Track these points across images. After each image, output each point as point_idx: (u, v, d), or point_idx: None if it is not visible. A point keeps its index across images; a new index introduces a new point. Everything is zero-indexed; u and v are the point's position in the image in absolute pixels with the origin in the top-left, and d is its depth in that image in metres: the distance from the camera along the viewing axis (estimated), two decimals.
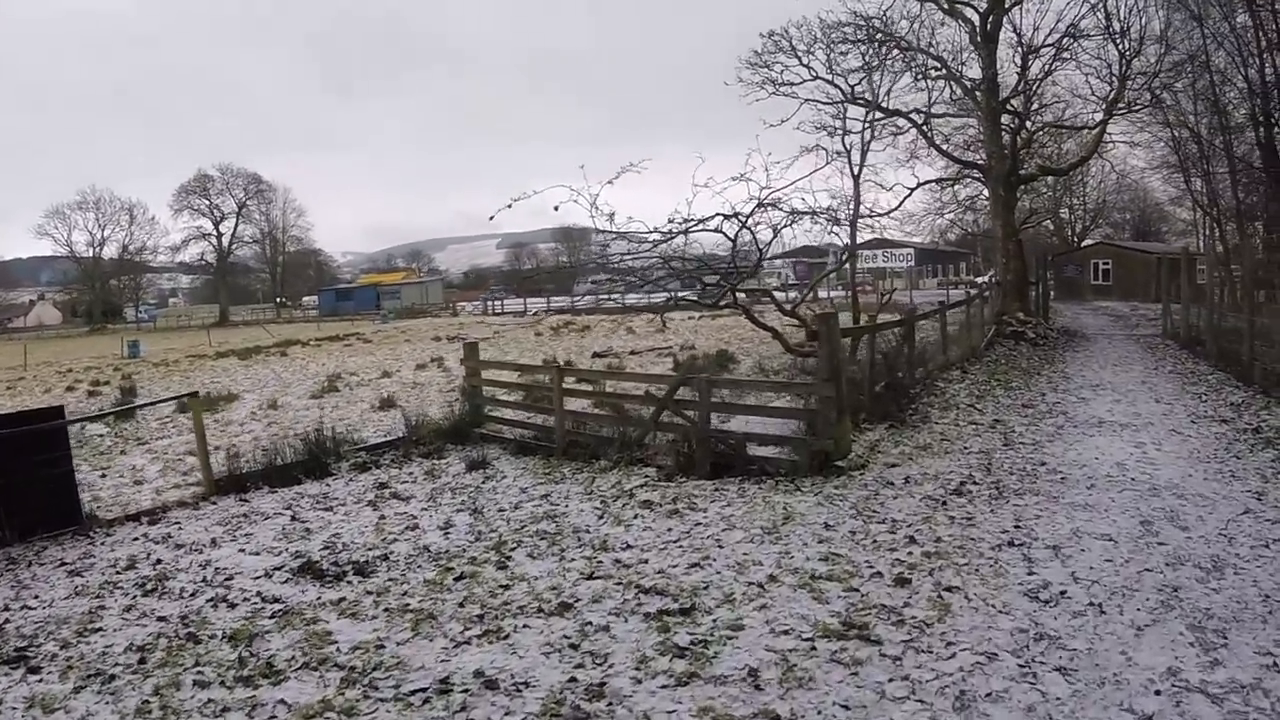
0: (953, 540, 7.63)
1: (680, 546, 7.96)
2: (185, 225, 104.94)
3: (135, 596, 7.51)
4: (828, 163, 15.02)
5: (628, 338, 35.71)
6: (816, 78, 25.65)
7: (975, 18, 26.34)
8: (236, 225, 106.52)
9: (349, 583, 7.47)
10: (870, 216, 26.44)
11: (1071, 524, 7.94)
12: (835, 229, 15.21)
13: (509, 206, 13.20)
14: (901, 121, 28.52)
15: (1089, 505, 8.52)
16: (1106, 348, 23.16)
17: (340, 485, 11.46)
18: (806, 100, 25.26)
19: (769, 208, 13.84)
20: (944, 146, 29.39)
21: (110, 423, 18.07)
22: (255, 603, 7.15)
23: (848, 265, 69.03)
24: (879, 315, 18.23)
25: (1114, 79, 26.64)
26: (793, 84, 26.08)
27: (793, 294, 50.81)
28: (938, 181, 30.75)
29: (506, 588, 7.09)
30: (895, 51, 26.49)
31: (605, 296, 24.43)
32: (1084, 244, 59.87)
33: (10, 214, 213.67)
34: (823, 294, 58.76)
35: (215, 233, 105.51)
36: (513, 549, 8.14)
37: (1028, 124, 28.29)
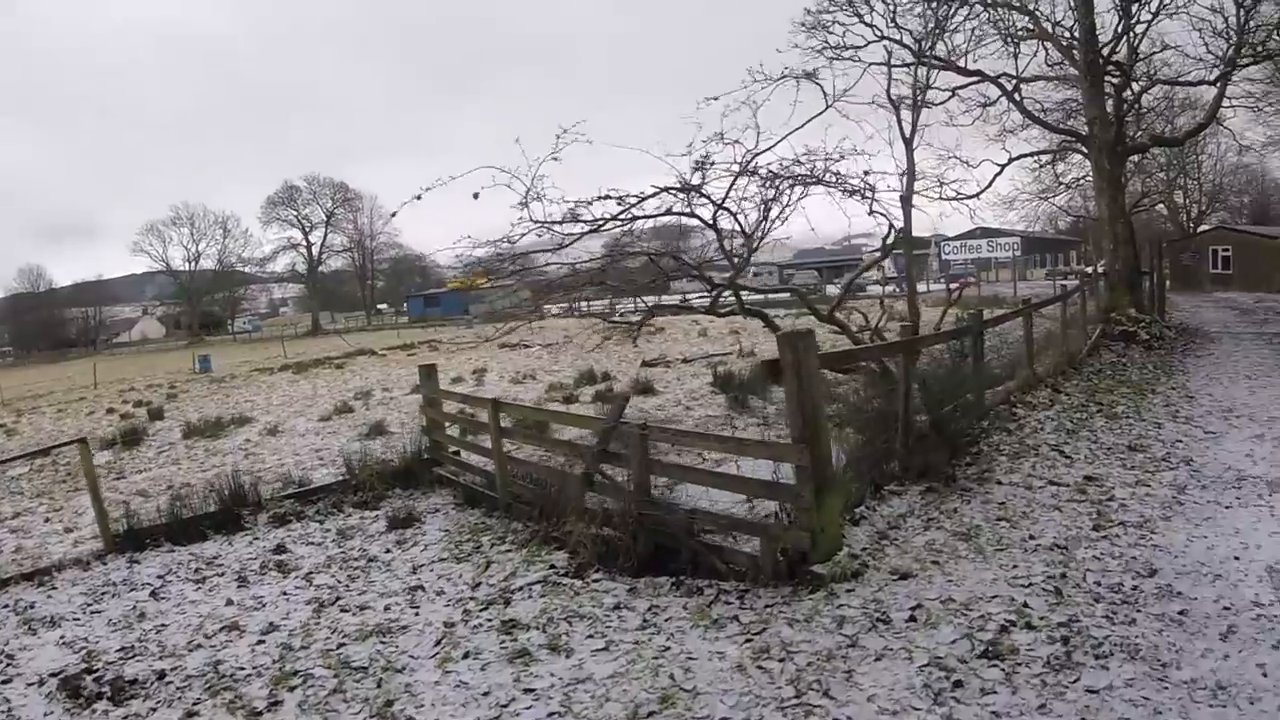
0: None
1: None
2: (275, 236, 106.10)
3: None
4: (828, 107, 10.68)
5: (697, 340, 31.95)
6: (883, 38, 20.94)
7: None
8: (326, 235, 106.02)
9: (90, 710, 6.04)
10: (950, 198, 22.23)
11: None
12: (876, 207, 10.93)
13: (417, 199, 10.18)
14: (991, 91, 23.86)
15: (1222, 688, 4.46)
16: (1234, 351, 18.16)
17: (241, 546, 9.99)
18: (872, 64, 20.52)
19: (751, 175, 9.78)
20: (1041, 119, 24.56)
21: (117, 450, 18.33)
22: None
23: (938, 255, 63.80)
24: (943, 319, 13.82)
25: (1230, 33, 21.49)
26: (856, 47, 21.45)
27: (890, 288, 46.47)
28: (1032, 155, 25.79)
29: None
30: (977, 7, 21.80)
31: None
32: (1200, 230, 53.61)
33: (114, 232, 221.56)
34: (921, 288, 54.01)
35: (305, 243, 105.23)
36: (292, 688, 5.94)
37: (1133, 84, 23.11)
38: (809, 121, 10.23)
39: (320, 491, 11.74)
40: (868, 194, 10.58)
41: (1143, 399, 12.66)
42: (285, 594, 8.14)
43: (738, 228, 10.39)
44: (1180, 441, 9.95)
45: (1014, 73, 23.14)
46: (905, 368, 8.76)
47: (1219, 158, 54.12)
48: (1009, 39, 22.95)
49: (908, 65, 21.12)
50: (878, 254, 12.29)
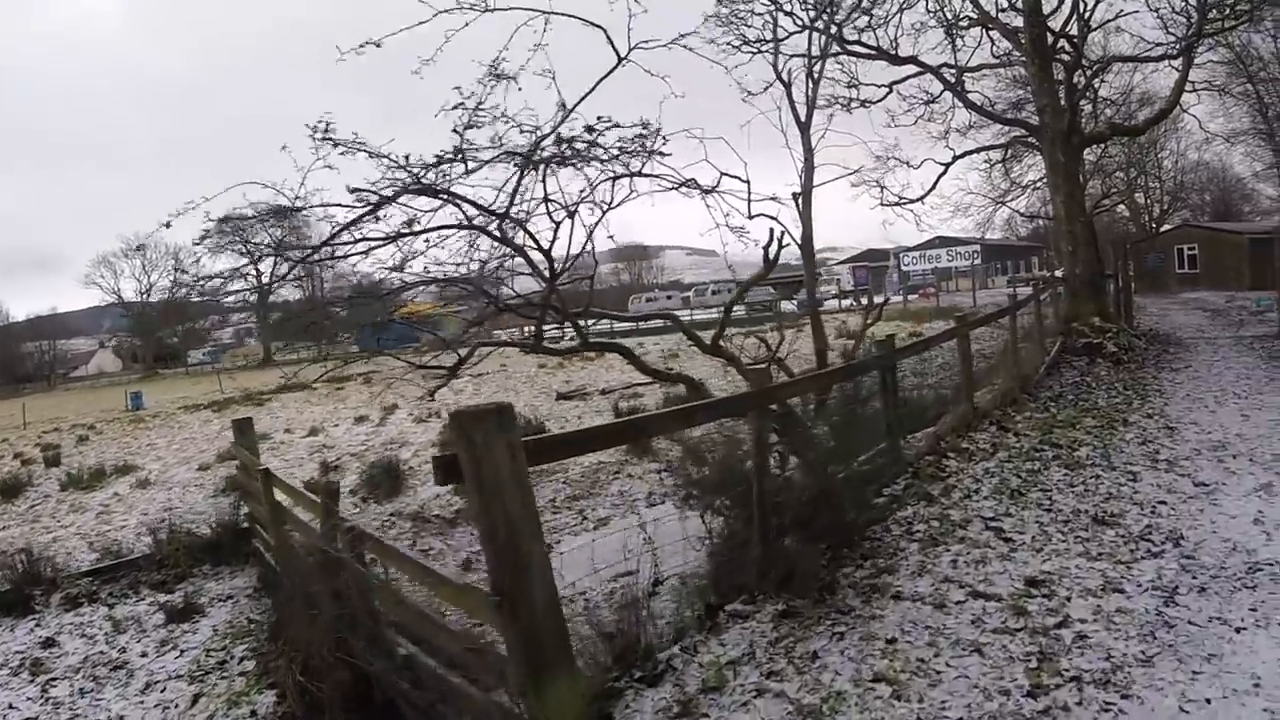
0: None
1: None
2: (225, 266, 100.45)
3: None
4: (620, 61, 7.85)
5: (627, 369, 28.90)
6: (805, 28, 18.12)
7: None
8: (275, 262, 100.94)
9: None
10: (893, 203, 19.73)
11: None
12: (761, 208, 8.19)
13: (167, 226, 8.37)
14: (935, 88, 21.16)
15: None
16: (1213, 360, 15.41)
17: (21, 634, 8.58)
18: (794, 56, 17.73)
19: (549, 165, 7.01)
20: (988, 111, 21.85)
21: None
22: None
23: (898, 267, 61.34)
24: (859, 342, 11.00)
25: (1190, 10, 18.94)
26: (779, 39, 18.67)
27: (848, 303, 44.01)
28: (978, 151, 22.98)
29: None
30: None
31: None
32: (1164, 228, 51.40)
33: (73, 264, 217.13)
34: (879, 299, 51.25)
35: (255, 271, 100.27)
36: None
37: (1085, 63, 20.34)
38: (599, 84, 7.41)
39: (126, 567, 10.04)
40: (718, 189, 7.80)
41: (1112, 435, 9.80)
42: (9, 708, 6.93)
43: (534, 241, 7.63)
44: (1163, 503, 7.12)
45: (957, 63, 20.49)
46: (758, 431, 5.89)
47: (1179, 155, 52.09)
48: (950, 28, 20.33)
49: (831, 55, 18.65)
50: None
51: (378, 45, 7.33)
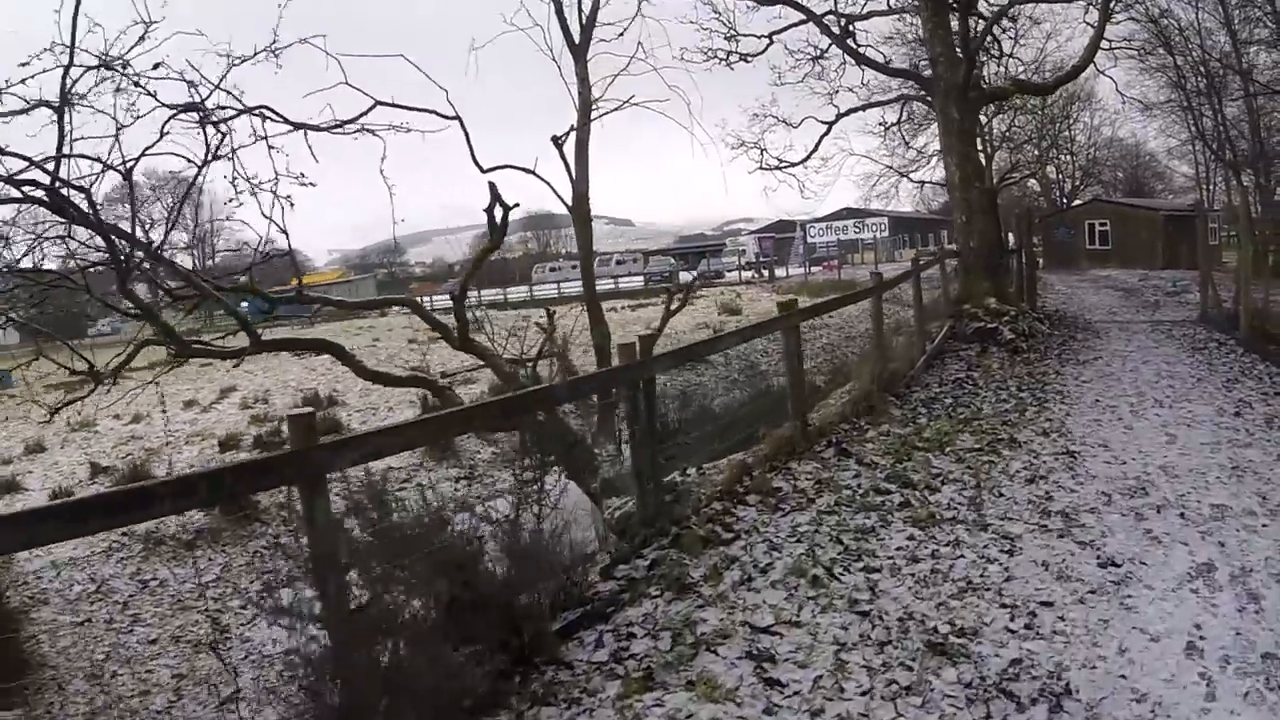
0: None
1: None
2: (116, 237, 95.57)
3: None
4: None
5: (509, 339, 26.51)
6: None
7: None
8: (168, 232, 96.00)
9: None
10: (772, 167, 17.41)
11: None
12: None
13: None
14: (823, 42, 18.61)
15: None
16: (1127, 351, 13.02)
17: None
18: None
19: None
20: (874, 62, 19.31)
21: None
22: None
23: (804, 239, 59.21)
24: (661, 331, 8.29)
25: None
26: None
27: (748, 274, 41.56)
28: (864, 108, 20.12)
29: None
30: None
31: None
32: (1075, 203, 50.22)
33: None
34: (782, 272, 49.13)
35: (145, 241, 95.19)
36: None
37: (987, 5, 17.83)
38: None
39: None
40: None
41: (992, 464, 7.12)
42: None
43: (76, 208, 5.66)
44: (1048, 604, 4.46)
45: (837, 9, 18.05)
46: (309, 509, 3.19)
47: (1093, 130, 50.78)
48: None
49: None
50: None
51: None
